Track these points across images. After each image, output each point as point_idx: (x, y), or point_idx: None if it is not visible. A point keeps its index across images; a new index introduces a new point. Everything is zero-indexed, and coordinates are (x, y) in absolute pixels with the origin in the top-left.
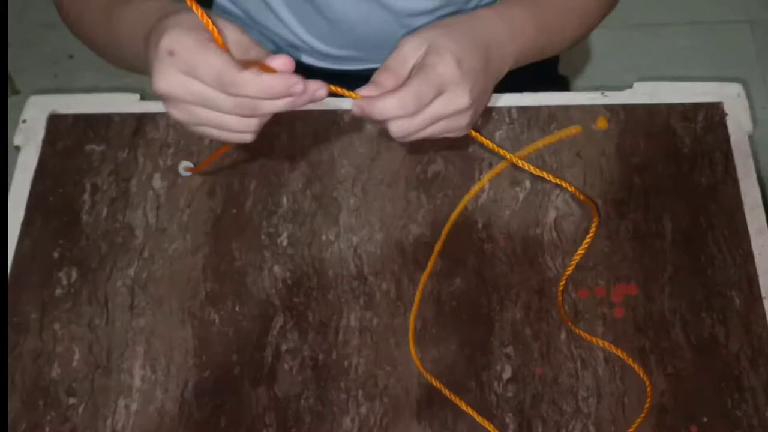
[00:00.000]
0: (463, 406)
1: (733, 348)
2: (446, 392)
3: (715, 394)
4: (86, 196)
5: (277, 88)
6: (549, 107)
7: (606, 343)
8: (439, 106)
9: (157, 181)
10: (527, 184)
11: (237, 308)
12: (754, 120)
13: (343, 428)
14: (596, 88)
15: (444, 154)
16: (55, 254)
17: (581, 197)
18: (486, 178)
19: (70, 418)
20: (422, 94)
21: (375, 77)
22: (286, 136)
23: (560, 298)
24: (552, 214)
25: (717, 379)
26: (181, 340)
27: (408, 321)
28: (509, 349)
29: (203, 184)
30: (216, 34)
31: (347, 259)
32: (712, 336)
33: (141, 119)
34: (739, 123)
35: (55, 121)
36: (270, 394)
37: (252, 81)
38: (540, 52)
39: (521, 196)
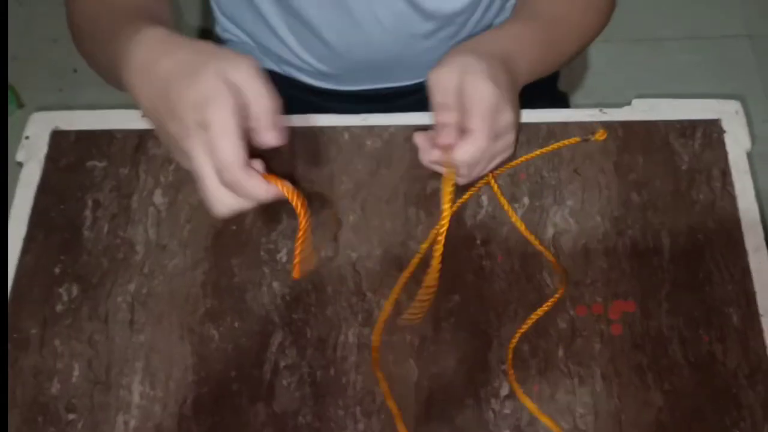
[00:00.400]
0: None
1: (730, 365)
2: (391, 403)
3: (713, 411)
4: (88, 212)
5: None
6: (548, 124)
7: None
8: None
9: (158, 197)
10: (525, 200)
11: (236, 324)
12: (753, 137)
13: None
14: (596, 103)
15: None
16: (57, 270)
17: (555, 264)
18: (467, 195)
19: None
20: (492, 132)
21: (438, 118)
22: (285, 151)
23: (510, 356)
24: (550, 231)
25: (715, 397)
26: (180, 357)
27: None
28: (507, 366)
29: (204, 201)
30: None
31: (346, 275)
32: (709, 353)
33: (143, 135)
34: (737, 140)
35: (57, 138)
36: (268, 411)
37: (249, 187)
38: (546, 66)
39: (519, 213)
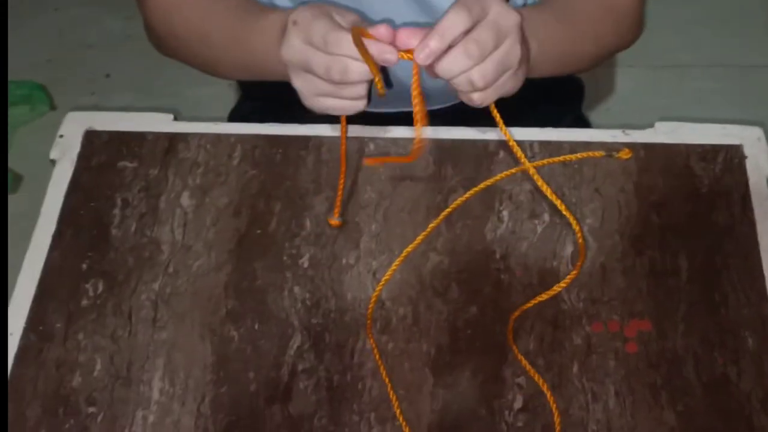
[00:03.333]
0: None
1: (744, 388)
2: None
3: None
4: (116, 211)
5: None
6: (570, 143)
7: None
8: (487, 26)
9: (186, 199)
10: (546, 217)
11: (256, 326)
12: None
13: None
14: (619, 127)
15: (465, 184)
16: (84, 266)
17: (564, 210)
18: (501, 175)
19: (89, 427)
20: (484, 40)
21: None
22: (312, 161)
23: (510, 325)
24: (569, 248)
25: (727, 419)
26: (201, 356)
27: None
28: (521, 379)
29: (229, 204)
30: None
31: (366, 283)
32: (724, 375)
33: (173, 138)
34: (758, 165)
35: (90, 137)
36: (284, 413)
37: (346, 39)
38: (558, 57)
39: (539, 228)
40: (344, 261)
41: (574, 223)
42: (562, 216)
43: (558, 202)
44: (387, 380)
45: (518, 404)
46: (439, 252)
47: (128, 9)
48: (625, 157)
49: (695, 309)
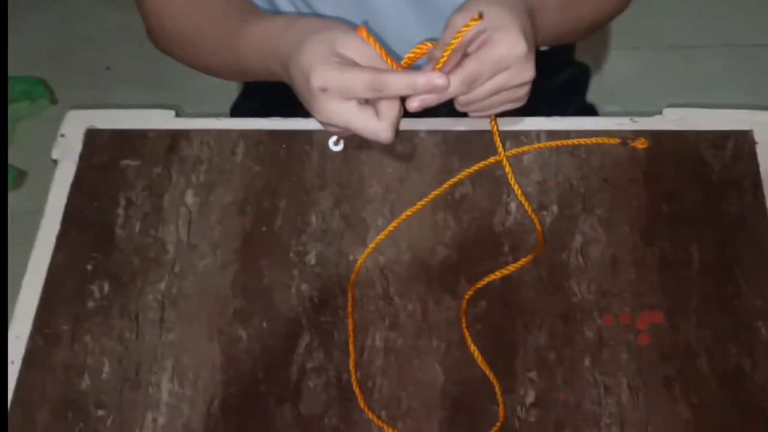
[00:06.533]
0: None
1: (758, 380)
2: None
3: (740, 426)
4: (120, 211)
5: (420, 83)
6: (578, 132)
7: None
8: (503, 80)
9: (190, 198)
10: (554, 208)
11: (264, 325)
12: None
13: None
14: (626, 111)
15: (472, 177)
16: (89, 267)
17: (529, 210)
18: (467, 171)
19: (99, 430)
20: (480, 74)
21: (434, 52)
22: (316, 156)
23: (464, 306)
24: (578, 239)
25: (742, 411)
26: (209, 356)
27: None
28: (533, 374)
29: (234, 202)
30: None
31: (374, 279)
32: (737, 367)
33: (175, 136)
34: None
35: (92, 136)
36: (294, 413)
37: (399, 79)
38: (561, 31)
39: (548, 220)
40: (351, 257)
41: (536, 221)
42: (571, 206)
43: (523, 199)
44: (352, 332)
45: (530, 399)
46: (447, 246)
47: (128, 0)
48: (641, 147)
49: (707, 300)
